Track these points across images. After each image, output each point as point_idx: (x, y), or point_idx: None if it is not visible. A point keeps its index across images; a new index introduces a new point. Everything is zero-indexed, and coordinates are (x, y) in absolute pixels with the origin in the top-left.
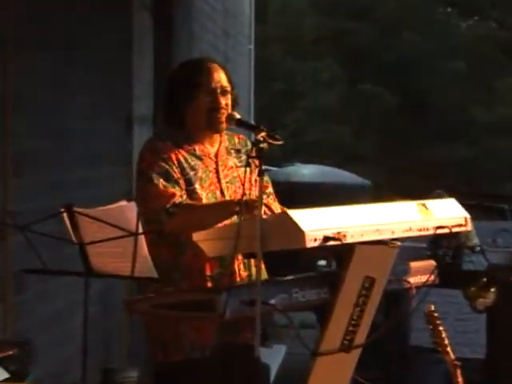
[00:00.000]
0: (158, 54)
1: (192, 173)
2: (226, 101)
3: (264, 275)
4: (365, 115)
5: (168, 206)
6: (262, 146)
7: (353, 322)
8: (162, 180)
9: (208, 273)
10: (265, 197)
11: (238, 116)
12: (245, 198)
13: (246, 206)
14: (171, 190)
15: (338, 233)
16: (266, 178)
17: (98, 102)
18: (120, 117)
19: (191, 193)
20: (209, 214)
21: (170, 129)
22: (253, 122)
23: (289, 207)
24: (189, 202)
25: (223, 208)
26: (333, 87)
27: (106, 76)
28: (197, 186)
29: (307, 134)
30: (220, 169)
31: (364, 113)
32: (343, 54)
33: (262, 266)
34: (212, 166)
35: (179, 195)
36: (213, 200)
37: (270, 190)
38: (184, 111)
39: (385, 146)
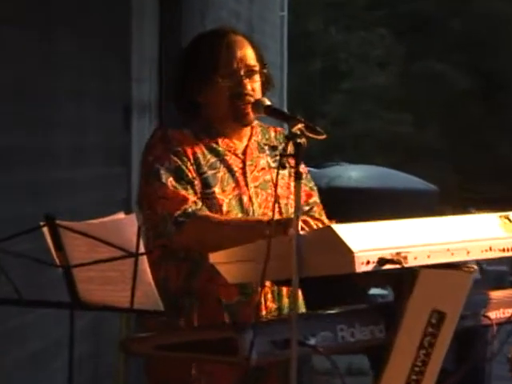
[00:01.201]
0: (164, 25)
1: (211, 172)
2: (252, 84)
3: (300, 308)
4: (428, 101)
5: (177, 213)
6: (299, 140)
7: (416, 369)
8: (171, 179)
9: (225, 301)
10: (306, 208)
11: (267, 102)
12: (277, 218)
13: (280, 228)
14: (183, 192)
15: (398, 253)
16: (310, 185)
17: (88, 86)
18: (115, 104)
19: (208, 197)
20: (229, 233)
21: (186, 117)
22: (286, 110)
23: (332, 220)
24: (205, 211)
25: (248, 229)
26: (386, 65)
27: (98, 53)
28: (216, 189)
29: (354, 124)
30: (248, 169)
31: (427, 98)
32: (400, 22)
33: (299, 297)
34: (238, 166)
35: (192, 201)
36: (237, 209)
37: (315, 199)
38: (201, 99)
39: (454, 141)
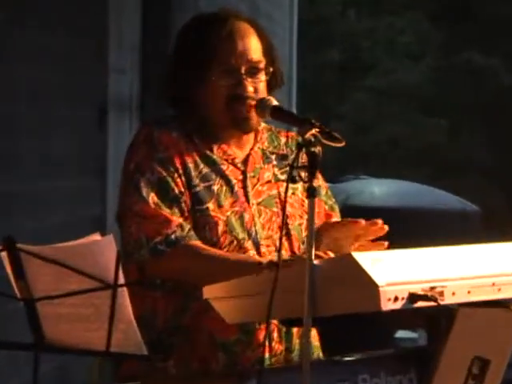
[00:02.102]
0: (149, 4)
1: (204, 185)
2: (255, 84)
3: (314, 353)
4: (470, 101)
5: (157, 239)
6: (313, 149)
7: None
8: (153, 194)
9: (221, 339)
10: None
11: (274, 102)
12: (272, 260)
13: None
14: (166, 212)
15: (432, 288)
16: (331, 202)
17: (54, 78)
18: (88, 101)
19: (201, 215)
20: (217, 271)
21: (178, 113)
22: (295, 112)
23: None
24: (192, 238)
25: (240, 269)
26: (420, 57)
27: (67, 38)
28: (210, 205)
29: (378, 129)
30: (249, 182)
31: (469, 97)
32: (437, 6)
33: (313, 337)
34: (237, 177)
35: (177, 224)
36: (238, 229)
37: (336, 220)
38: (195, 97)
39: (500, 152)
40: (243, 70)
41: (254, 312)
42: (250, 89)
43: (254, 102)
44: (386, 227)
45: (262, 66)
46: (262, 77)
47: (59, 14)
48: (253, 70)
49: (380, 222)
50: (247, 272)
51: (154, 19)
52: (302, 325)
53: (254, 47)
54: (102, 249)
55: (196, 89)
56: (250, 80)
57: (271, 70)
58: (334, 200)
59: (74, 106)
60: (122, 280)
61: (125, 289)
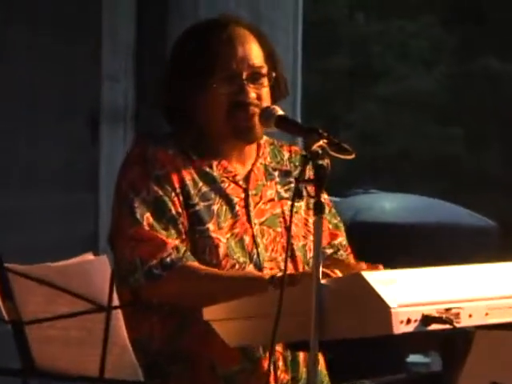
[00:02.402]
0: (144, 8)
1: (203, 204)
2: (257, 90)
3: (322, 380)
4: (487, 110)
5: (152, 263)
6: (320, 162)
7: None
8: (148, 215)
9: (222, 368)
10: (329, 251)
11: (279, 112)
12: (281, 275)
13: (287, 283)
14: (161, 234)
15: (447, 310)
16: (335, 221)
17: (43, 86)
18: (79, 110)
19: (201, 236)
20: (218, 292)
21: (174, 128)
22: (300, 121)
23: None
24: (189, 260)
25: (244, 288)
26: (434, 63)
27: (56, 43)
28: (210, 225)
29: (389, 140)
30: (252, 201)
31: (486, 106)
32: (450, 8)
33: (321, 364)
34: (239, 196)
35: (173, 246)
36: (238, 252)
37: (342, 240)
38: (193, 108)
39: None
40: (245, 76)
41: (257, 334)
42: (253, 95)
43: (257, 110)
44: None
45: (264, 71)
46: (265, 83)
47: (47, 16)
48: (255, 76)
49: (381, 267)
50: (251, 289)
51: (150, 23)
52: (308, 349)
53: (254, 53)
54: (95, 269)
55: (195, 98)
56: (252, 86)
57: (274, 75)
58: (338, 218)
59: (64, 116)
60: (116, 302)
61: (119, 311)
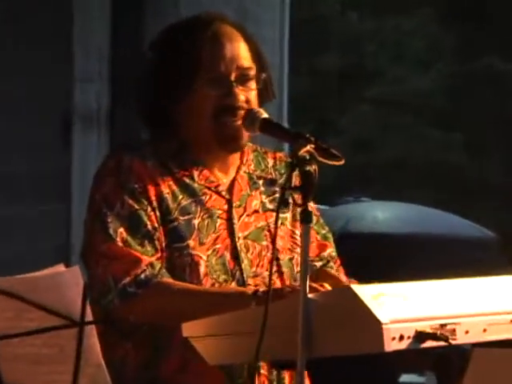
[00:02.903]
0: (119, 10)
1: (183, 218)
2: (246, 94)
3: None
4: (490, 113)
5: (126, 281)
6: (308, 168)
7: None
8: (122, 230)
9: None
10: (318, 264)
11: (264, 115)
12: (264, 290)
13: (272, 298)
14: (135, 251)
15: (442, 326)
16: (323, 232)
17: (11, 88)
18: (50, 113)
19: (180, 254)
20: (198, 309)
21: (152, 135)
22: (287, 126)
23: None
24: (164, 276)
25: (226, 304)
26: (432, 63)
27: (29, 44)
28: (191, 241)
29: (382, 145)
30: (235, 213)
31: (488, 109)
32: (451, 5)
33: None
34: (221, 208)
35: (147, 263)
36: (219, 269)
37: (331, 251)
38: (174, 111)
39: None
40: (233, 78)
41: (239, 353)
42: (242, 97)
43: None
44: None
45: (252, 73)
46: (253, 85)
47: (16, 12)
48: (243, 78)
49: None
50: (232, 305)
51: (125, 22)
52: (294, 367)
53: (243, 53)
54: (66, 282)
55: (177, 104)
56: (240, 89)
57: (263, 76)
58: (326, 229)
59: (34, 119)
60: (89, 317)
61: (93, 327)
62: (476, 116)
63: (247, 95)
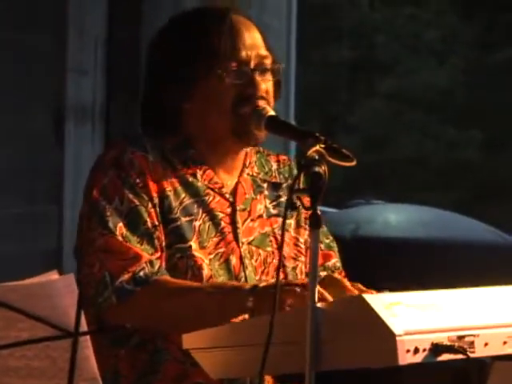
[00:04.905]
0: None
1: (185, 219)
2: (266, 84)
3: None
4: (508, 111)
5: (124, 278)
6: (317, 169)
7: None
8: (121, 225)
9: None
10: (323, 274)
11: (271, 111)
12: (265, 284)
13: (269, 297)
14: (135, 247)
15: (460, 338)
16: (327, 241)
17: (3, 81)
18: (41, 106)
19: (182, 255)
20: (193, 307)
21: (155, 131)
22: (293, 123)
23: (364, 287)
24: (163, 275)
25: (223, 300)
26: (448, 56)
27: (15, 31)
28: (193, 243)
29: (395, 143)
30: (239, 217)
31: (507, 107)
32: None
33: None
34: (224, 211)
35: (146, 260)
36: (223, 274)
37: (335, 261)
38: (184, 105)
39: None
40: (253, 66)
41: (243, 366)
42: (263, 87)
43: (265, 105)
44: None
45: (269, 62)
46: (269, 77)
47: (6, 3)
48: (262, 67)
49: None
50: (229, 301)
51: (122, 10)
52: (301, 382)
53: (260, 42)
54: (60, 290)
55: (189, 96)
56: (261, 78)
57: (279, 66)
58: (331, 238)
59: (24, 113)
60: (84, 327)
61: (88, 339)
62: (495, 112)
63: (266, 86)
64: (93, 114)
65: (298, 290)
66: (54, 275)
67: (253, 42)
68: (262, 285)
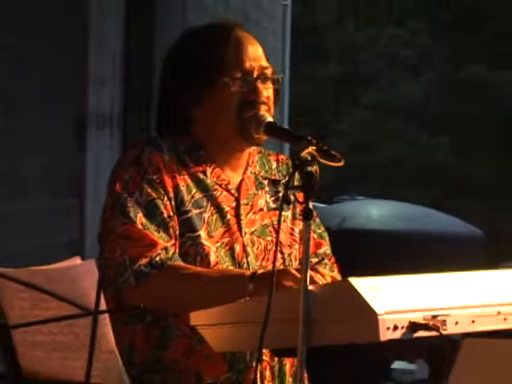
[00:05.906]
0: (132, 11)
1: (195, 211)
2: (267, 91)
3: None
4: (476, 119)
5: (142, 261)
6: (309, 169)
7: None
8: (141, 215)
9: (208, 379)
10: (314, 260)
11: (269, 118)
12: (263, 271)
13: (267, 282)
14: (152, 235)
15: (434, 317)
16: (320, 231)
17: (29, 91)
18: (65, 115)
19: (193, 243)
20: (199, 290)
21: (169, 135)
22: (288, 127)
23: (351, 273)
24: (178, 261)
25: (225, 285)
26: (422, 71)
27: (43, 47)
28: (202, 233)
29: (377, 147)
30: (243, 210)
31: (475, 115)
32: (443, 14)
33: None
34: (230, 205)
35: (162, 247)
36: (228, 261)
37: (326, 249)
38: (194, 110)
39: (510, 173)
40: (256, 75)
41: (244, 340)
42: (265, 93)
43: (266, 111)
44: None
45: (269, 72)
46: (270, 85)
47: (31, 15)
48: (263, 76)
49: None
50: (232, 286)
51: (137, 27)
52: (294, 355)
53: (261, 54)
54: (82, 274)
55: (199, 103)
56: (262, 86)
57: (278, 77)
58: (322, 228)
59: (49, 121)
60: (103, 307)
61: (107, 317)
62: (466, 120)
63: (268, 92)
64: (111, 121)
65: (294, 272)
66: (77, 260)
67: (255, 54)
68: (260, 271)
